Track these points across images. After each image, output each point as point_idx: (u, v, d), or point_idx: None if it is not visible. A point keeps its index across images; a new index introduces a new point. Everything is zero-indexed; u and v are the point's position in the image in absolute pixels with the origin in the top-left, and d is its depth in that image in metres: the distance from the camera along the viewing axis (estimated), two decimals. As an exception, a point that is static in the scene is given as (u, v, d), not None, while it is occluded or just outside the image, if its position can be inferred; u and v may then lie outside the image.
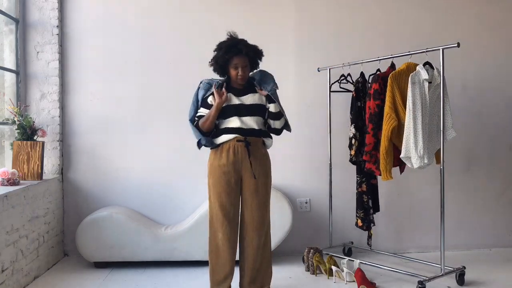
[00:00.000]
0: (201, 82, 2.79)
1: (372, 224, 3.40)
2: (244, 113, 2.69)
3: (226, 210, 2.69)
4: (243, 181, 2.71)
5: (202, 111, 2.74)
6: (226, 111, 2.69)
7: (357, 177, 3.43)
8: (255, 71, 2.83)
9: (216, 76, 2.82)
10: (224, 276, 2.73)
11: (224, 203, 2.69)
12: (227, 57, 2.67)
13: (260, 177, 2.71)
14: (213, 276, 2.77)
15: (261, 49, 2.77)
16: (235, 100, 2.71)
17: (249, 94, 2.73)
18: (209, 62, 2.75)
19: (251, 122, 2.69)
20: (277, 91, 2.76)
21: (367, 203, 3.37)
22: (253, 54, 2.71)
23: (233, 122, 2.68)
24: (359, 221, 3.40)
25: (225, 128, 2.69)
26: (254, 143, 2.69)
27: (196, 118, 2.75)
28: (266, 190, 2.76)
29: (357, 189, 3.43)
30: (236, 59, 2.66)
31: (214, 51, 2.73)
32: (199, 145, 2.77)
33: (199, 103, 2.76)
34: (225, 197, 2.69)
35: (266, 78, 2.78)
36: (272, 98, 2.70)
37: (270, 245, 2.84)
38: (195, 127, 2.73)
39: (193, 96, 2.80)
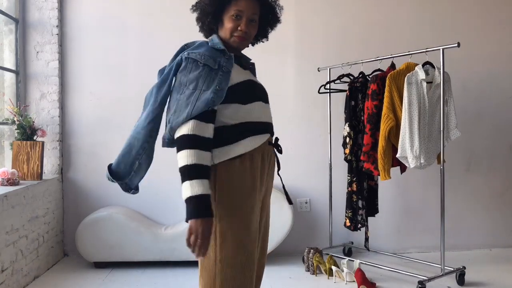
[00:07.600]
0: (182, 59, 1.69)
1: (360, 225, 3.35)
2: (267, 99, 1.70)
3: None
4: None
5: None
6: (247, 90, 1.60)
7: (348, 176, 3.41)
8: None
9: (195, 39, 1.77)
10: None
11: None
12: None
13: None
14: None
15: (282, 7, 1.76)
16: (251, 76, 1.66)
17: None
18: (192, 6, 1.70)
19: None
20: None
21: (356, 203, 3.35)
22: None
23: (258, 111, 1.62)
24: (347, 220, 3.38)
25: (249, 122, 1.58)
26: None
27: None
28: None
29: (347, 188, 3.41)
30: (241, 1, 1.59)
31: None
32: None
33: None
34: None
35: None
36: None
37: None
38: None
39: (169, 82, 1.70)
